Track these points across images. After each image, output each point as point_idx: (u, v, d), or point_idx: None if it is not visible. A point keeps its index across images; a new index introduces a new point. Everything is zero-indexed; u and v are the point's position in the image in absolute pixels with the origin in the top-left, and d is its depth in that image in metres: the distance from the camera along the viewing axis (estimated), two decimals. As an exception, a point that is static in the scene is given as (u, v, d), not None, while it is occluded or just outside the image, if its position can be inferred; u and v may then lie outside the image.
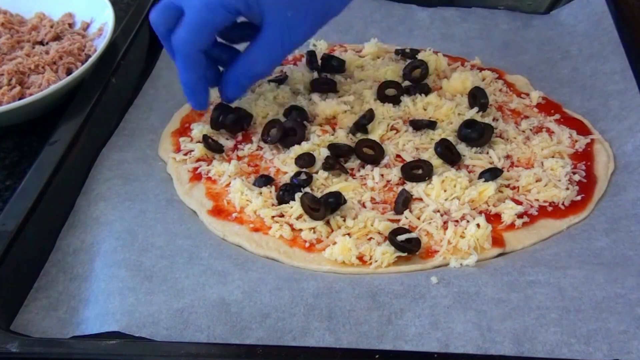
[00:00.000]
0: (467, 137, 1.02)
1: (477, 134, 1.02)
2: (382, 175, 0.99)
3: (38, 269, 0.87)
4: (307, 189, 0.96)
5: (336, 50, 1.27)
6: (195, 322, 0.78)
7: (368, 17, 1.36)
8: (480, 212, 0.93)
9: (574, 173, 1.00)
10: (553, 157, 1.02)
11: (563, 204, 0.95)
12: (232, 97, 1.05)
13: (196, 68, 0.98)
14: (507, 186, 0.98)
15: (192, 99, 1.04)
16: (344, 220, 0.92)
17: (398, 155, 1.03)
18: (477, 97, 1.09)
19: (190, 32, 0.94)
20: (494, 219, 0.93)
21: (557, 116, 1.11)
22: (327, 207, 0.92)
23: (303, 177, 0.98)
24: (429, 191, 0.96)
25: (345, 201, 0.93)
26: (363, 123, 1.06)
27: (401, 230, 0.90)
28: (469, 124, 1.03)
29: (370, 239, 0.90)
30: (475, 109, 1.08)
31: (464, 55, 1.26)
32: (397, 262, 0.88)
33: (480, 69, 1.21)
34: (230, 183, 0.99)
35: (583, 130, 1.08)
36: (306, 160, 1.00)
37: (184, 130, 1.10)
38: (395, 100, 1.11)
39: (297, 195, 0.94)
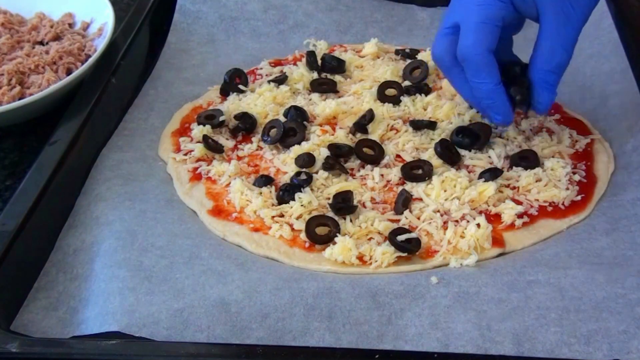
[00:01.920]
0: (460, 144, 1.02)
1: (469, 139, 1.02)
2: (382, 175, 0.99)
3: (38, 269, 0.87)
4: (307, 189, 0.96)
5: (336, 50, 1.27)
6: (195, 322, 0.78)
7: (368, 17, 1.36)
8: (480, 212, 0.93)
9: (574, 173, 0.99)
10: (553, 157, 1.02)
11: (563, 204, 0.95)
12: (546, 102, 0.96)
13: (491, 72, 0.93)
14: (507, 186, 0.97)
15: (493, 111, 0.96)
16: (344, 221, 0.92)
17: (398, 155, 1.03)
18: None
19: (474, 32, 0.91)
20: (494, 219, 0.93)
21: (557, 116, 1.11)
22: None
23: (303, 177, 0.98)
24: (429, 191, 0.96)
25: (355, 207, 0.94)
26: (363, 123, 1.06)
27: (401, 230, 0.90)
28: (459, 131, 1.03)
29: (370, 239, 0.90)
30: (475, 110, 1.08)
31: (464, 55, 1.26)
32: (397, 262, 0.88)
33: (480, 69, 1.21)
34: (230, 183, 0.99)
35: (583, 130, 1.08)
36: (306, 160, 1.00)
37: (184, 131, 1.10)
38: (395, 100, 1.11)
39: (297, 195, 0.94)
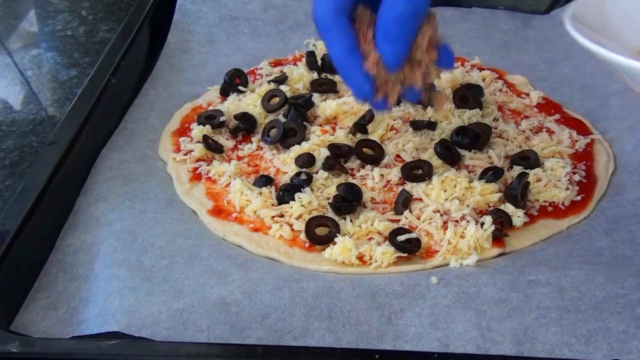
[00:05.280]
0: (459, 144, 1.02)
1: (469, 139, 1.02)
2: (382, 175, 0.99)
3: (38, 269, 0.87)
4: (307, 189, 0.96)
5: (336, 50, 1.26)
6: (195, 322, 0.78)
7: (368, 17, 1.36)
8: (480, 212, 0.93)
9: (574, 173, 0.99)
10: (553, 157, 1.02)
11: (563, 204, 0.95)
12: (388, 57, 0.83)
13: (341, 35, 0.82)
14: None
15: (348, 82, 0.86)
16: (344, 221, 0.92)
17: (398, 155, 1.03)
18: (468, 96, 1.10)
19: None
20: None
21: (557, 116, 1.11)
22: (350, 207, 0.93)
23: (303, 177, 0.98)
24: (429, 191, 0.96)
25: (355, 207, 0.94)
26: (363, 123, 1.06)
27: (401, 231, 0.90)
28: (459, 131, 1.03)
29: (370, 239, 0.90)
30: (475, 110, 1.08)
31: (464, 55, 1.26)
32: (397, 262, 0.87)
33: (480, 69, 1.21)
34: (230, 183, 0.99)
35: (583, 130, 1.08)
36: (306, 160, 1.00)
37: (184, 130, 1.10)
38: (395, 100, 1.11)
39: (297, 195, 0.94)
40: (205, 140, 1.05)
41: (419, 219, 0.93)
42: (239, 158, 1.05)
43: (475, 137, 1.03)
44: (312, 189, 0.97)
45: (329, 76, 1.19)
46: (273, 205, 0.96)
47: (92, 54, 1.37)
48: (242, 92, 1.17)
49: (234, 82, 1.18)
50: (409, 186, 0.97)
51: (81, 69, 1.33)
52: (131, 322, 0.78)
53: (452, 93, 1.11)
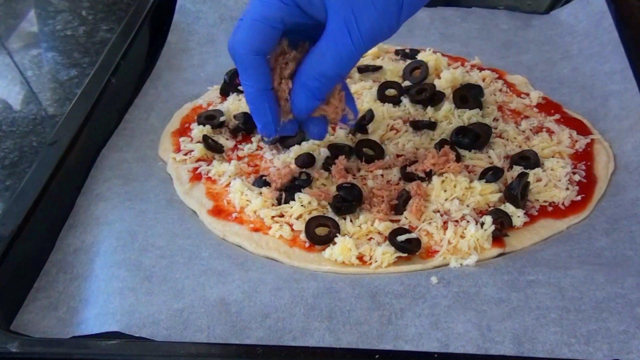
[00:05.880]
0: (459, 144, 1.02)
1: (469, 139, 1.02)
2: (382, 175, 0.99)
3: (38, 269, 0.87)
4: (307, 189, 0.96)
5: (336, 50, 1.26)
6: (195, 322, 0.78)
7: (368, 17, 1.36)
8: (480, 212, 0.93)
9: (574, 173, 0.99)
10: (553, 157, 1.02)
11: (563, 204, 0.95)
12: (299, 105, 0.87)
13: (256, 75, 0.85)
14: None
15: (255, 118, 0.89)
16: (344, 221, 0.92)
17: (398, 155, 1.03)
18: (468, 96, 1.10)
19: (244, 30, 0.84)
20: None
21: (557, 116, 1.11)
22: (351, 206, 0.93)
23: (303, 177, 0.98)
24: (429, 191, 0.96)
25: (355, 207, 0.93)
26: (363, 123, 1.06)
27: (401, 231, 0.90)
28: (459, 131, 1.03)
29: (370, 239, 0.90)
30: (475, 110, 1.08)
31: (464, 55, 1.26)
32: (397, 262, 0.88)
33: (480, 69, 1.21)
34: (230, 183, 0.99)
35: (583, 130, 1.08)
36: (306, 160, 1.00)
37: (184, 130, 1.10)
38: (396, 101, 1.11)
39: (297, 196, 0.94)
40: (205, 140, 1.05)
41: (419, 219, 0.93)
42: (239, 158, 1.05)
43: (475, 137, 1.03)
44: (312, 189, 0.97)
45: (329, 76, 1.19)
46: (273, 205, 0.96)
47: (92, 54, 1.37)
48: (242, 92, 1.17)
49: (234, 82, 1.18)
50: (409, 186, 0.97)
51: (81, 69, 1.33)
52: (131, 322, 0.78)
53: (452, 93, 1.11)
